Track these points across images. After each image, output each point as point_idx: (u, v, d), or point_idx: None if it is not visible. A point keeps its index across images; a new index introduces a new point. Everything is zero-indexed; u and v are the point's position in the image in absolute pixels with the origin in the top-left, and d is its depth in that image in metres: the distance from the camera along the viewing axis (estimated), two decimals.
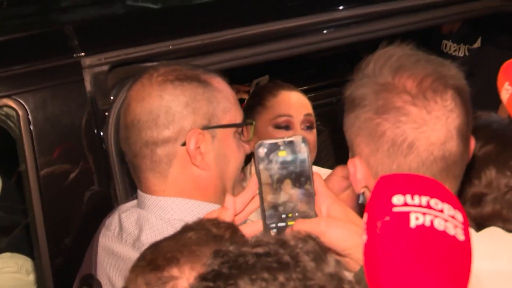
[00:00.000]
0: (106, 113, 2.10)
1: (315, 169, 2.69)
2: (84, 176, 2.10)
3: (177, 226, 1.57)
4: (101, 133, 2.10)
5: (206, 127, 1.69)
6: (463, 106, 1.39)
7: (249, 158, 2.68)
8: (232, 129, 1.74)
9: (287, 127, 2.50)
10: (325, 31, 2.36)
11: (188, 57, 2.18)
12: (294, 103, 2.55)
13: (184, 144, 1.67)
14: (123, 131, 1.75)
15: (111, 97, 2.11)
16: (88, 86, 2.08)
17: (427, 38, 4.42)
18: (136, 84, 1.73)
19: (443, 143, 1.35)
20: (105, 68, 2.09)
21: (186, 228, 1.34)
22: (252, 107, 2.61)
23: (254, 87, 3.62)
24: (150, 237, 1.66)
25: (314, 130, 2.55)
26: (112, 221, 1.83)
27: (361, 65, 1.45)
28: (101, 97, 2.10)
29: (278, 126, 2.52)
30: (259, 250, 1.00)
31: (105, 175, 2.11)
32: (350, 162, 1.45)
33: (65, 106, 2.05)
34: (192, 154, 1.68)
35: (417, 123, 1.34)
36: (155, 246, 1.32)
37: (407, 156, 1.35)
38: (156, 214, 1.70)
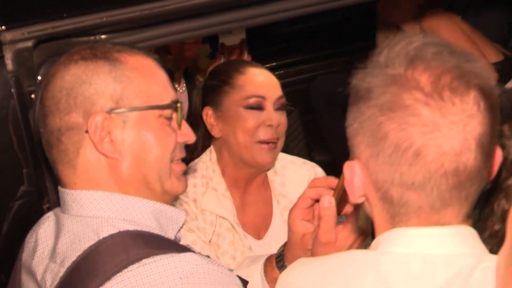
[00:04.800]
0: (33, 96, 1.87)
1: (282, 156, 2.48)
2: (7, 171, 1.87)
3: (94, 226, 1.44)
4: (28, 119, 1.87)
5: (113, 110, 1.49)
6: (487, 113, 1.18)
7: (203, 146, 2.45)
8: (155, 113, 1.53)
9: (259, 107, 2.34)
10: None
11: (126, 30, 1.96)
12: (266, 82, 2.39)
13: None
14: (37, 119, 1.59)
15: (38, 77, 1.88)
16: (9, 64, 1.85)
17: None
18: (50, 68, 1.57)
19: (458, 154, 1.15)
20: (30, 43, 1.87)
21: None
22: (217, 87, 2.42)
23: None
24: (66, 243, 1.47)
25: (284, 111, 2.40)
26: (33, 231, 1.62)
27: (375, 52, 1.25)
28: (26, 77, 1.87)
29: (249, 107, 2.34)
30: None
31: (32, 169, 1.87)
32: (347, 165, 1.26)
33: None
34: (96, 141, 1.49)
35: (428, 127, 1.15)
36: None
37: (412, 166, 1.16)
38: (74, 212, 1.51)
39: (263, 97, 2.33)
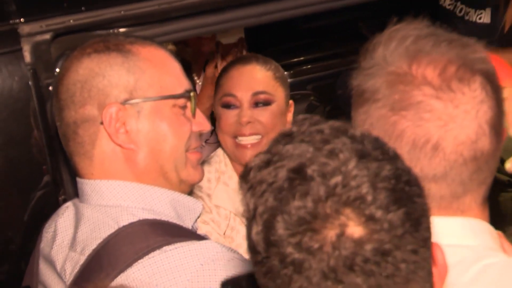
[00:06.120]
0: (50, 88, 1.87)
1: None
2: (24, 163, 1.87)
3: (114, 215, 1.44)
4: (45, 111, 1.86)
5: (127, 101, 1.49)
6: (494, 95, 1.19)
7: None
8: (169, 103, 1.53)
9: (232, 106, 2.34)
10: None
11: (143, 24, 1.95)
12: (241, 81, 2.36)
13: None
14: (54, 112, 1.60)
15: (56, 70, 1.87)
16: (28, 57, 1.85)
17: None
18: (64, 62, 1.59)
19: (474, 141, 1.16)
20: (48, 36, 1.87)
21: None
22: (215, 85, 2.47)
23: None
24: (86, 232, 1.48)
25: (271, 107, 2.34)
26: (52, 221, 1.63)
27: (367, 48, 1.25)
28: (43, 70, 1.87)
29: (224, 106, 2.36)
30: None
31: (49, 161, 1.87)
32: None
33: (1, 80, 1.82)
34: (111, 132, 1.49)
35: (443, 120, 1.15)
36: None
37: (431, 159, 1.16)
38: (93, 202, 1.52)
39: (233, 95, 2.33)
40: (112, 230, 1.44)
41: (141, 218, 1.46)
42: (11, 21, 1.83)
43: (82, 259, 1.45)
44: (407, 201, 0.91)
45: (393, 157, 0.95)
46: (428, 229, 0.94)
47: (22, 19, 1.84)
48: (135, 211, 1.47)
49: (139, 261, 1.38)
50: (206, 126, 1.61)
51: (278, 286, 0.91)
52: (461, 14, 3.79)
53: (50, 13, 1.87)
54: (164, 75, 1.53)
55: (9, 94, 1.82)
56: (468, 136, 1.15)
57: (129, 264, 1.38)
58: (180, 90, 1.54)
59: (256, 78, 2.34)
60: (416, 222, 0.91)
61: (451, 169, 1.16)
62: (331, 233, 0.87)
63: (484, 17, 3.69)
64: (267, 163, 0.94)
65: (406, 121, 1.16)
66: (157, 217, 1.48)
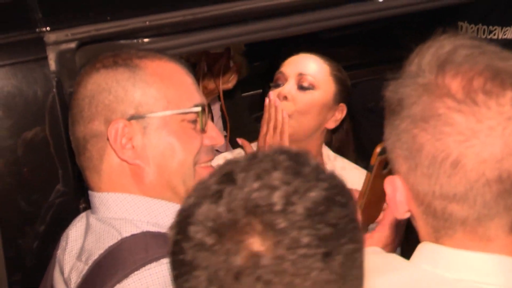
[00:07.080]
0: None
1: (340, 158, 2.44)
2: (47, 172, 1.87)
3: (118, 226, 1.44)
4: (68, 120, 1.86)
5: (133, 117, 1.48)
6: None
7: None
8: (177, 117, 1.51)
9: (278, 84, 2.35)
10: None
11: (169, 34, 1.95)
12: (293, 62, 2.38)
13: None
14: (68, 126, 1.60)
15: None
16: (52, 65, 1.85)
17: (441, 21, 4.08)
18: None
19: (499, 161, 1.07)
20: (73, 45, 1.87)
21: None
22: None
23: None
24: (91, 242, 1.49)
25: (313, 92, 2.31)
26: (68, 230, 1.64)
27: (407, 62, 1.19)
28: (67, 78, 1.87)
29: (274, 85, 2.36)
30: None
31: (70, 170, 1.88)
32: (388, 180, 1.20)
33: (25, 88, 1.82)
34: (117, 148, 1.49)
35: (464, 135, 1.07)
36: None
37: (451, 177, 1.09)
38: (100, 214, 1.53)
39: (282, 73, 2.35)
40: (115, 241, 1.44)
41: (144, 230, 1.45)
42: (37, 30, 1.84)
43: (86, 269, 1.45)
44: (321, 225, 0.88)
45: (330, 188, 0.93)
46: (342, 265, 0.90)
47: (48, 28, 1.85)
48: (140, 224, 1.47)
49: (136, 272, 1.37)
50: (219, 140, 1.59)
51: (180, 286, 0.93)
52: (484, 36, 3.78)
53: (76, 22, 1.88)
54: (171, 89, 1.52)
55: (34, 101, 1.82)
56: (492, 154, 1.07)
57: (126, 275, 1.37)
58: (188, 104, 1.53)
59: (309, 63, 2.35)
60: (327, 253, 0.88)
61: (471, 189, 1.09)
62: (229, 239, 0.86)
63: (510, 33, 3.68)
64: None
65: (426, 134, 1.10)
66: (162, 231, 1.46)
